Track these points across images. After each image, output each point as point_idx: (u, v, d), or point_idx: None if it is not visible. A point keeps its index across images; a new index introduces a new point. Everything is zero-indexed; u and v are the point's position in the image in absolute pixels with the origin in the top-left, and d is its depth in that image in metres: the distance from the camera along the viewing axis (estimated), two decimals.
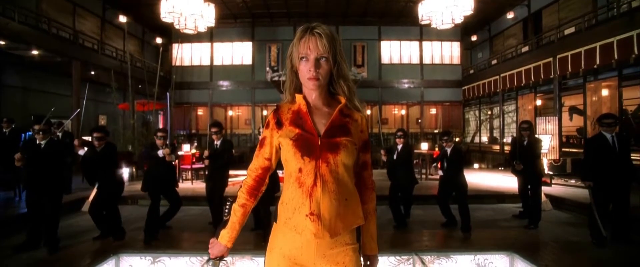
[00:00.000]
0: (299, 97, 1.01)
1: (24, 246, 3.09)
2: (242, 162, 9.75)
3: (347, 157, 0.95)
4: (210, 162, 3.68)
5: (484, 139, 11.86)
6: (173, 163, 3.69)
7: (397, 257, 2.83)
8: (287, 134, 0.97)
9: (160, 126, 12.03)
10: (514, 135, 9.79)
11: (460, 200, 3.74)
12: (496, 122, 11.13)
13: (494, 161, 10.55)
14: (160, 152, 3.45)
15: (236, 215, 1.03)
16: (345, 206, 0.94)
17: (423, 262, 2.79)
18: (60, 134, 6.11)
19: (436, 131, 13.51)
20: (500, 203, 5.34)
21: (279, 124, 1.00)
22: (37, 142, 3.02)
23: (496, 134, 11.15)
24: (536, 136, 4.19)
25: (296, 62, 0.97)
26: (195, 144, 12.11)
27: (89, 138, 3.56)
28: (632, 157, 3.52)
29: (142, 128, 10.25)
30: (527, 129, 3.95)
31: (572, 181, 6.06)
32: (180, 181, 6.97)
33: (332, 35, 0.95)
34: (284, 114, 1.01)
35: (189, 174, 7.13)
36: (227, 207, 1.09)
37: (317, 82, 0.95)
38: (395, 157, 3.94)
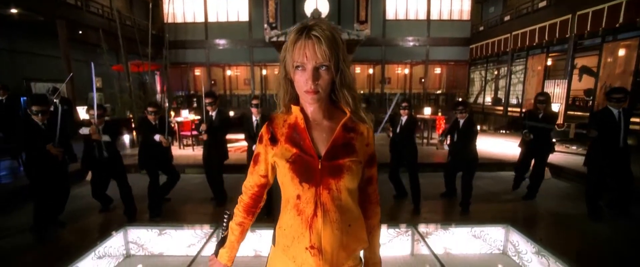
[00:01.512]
0: (295, 110, 0.87)
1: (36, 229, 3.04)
2: (243, 125, 9.71)
3: (352, 181, 0.86)
4: (207, 135, 3.59)
5: (488, 99, 11.63)
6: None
7: (397, 229, 2.92)
8: (282, 153, 0.86)
9: (158, 88, 11.78)
10: (519, 96, 9.64)
11: (467, 174, 3.59)
12: (502, 83, 10.80)
13: (496, 123, 10.46)
14: (157, 137, 3.33)
15: (234, 234, 0.98)
16: (348, 233, 0.87)
17: (420, 234, 2.88)
18: (57, 101, 5.98)
19: (439, 92, 13.22)
20: (499, 171, 5.34)
21: (273, 140, 0.88)
22: (39, 123, 2.85)
23: (501, 95, 10.88)
24: (553, 109, 3.90)
25: (290, 69, 0.82)
26: (195, 105, 11.98)
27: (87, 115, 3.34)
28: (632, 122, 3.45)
29: (139, 90, 10.03)
30: (543, 102, 3.67)
31: (574, 147, 6.03)
32: (181, 147, 6.99)
33: (333, 38, 0.79)
34: (279, 127, 0.89)
35: (189, 140, 7.10)
36: (225, 221, 1.04)
37: (316, 96, 0.81)
38: (398, 130, 3.75)
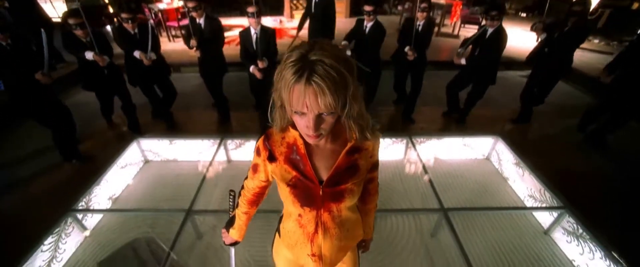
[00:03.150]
0: (294, 133, 0.80)
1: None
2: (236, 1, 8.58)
3: (353, 200, 0.88)
4: (201, 48, 3.12)
5: None
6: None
7: (393, 139, 3.11)
8: (282, 174, 0.85)
9: None
10: None
11: (476, 92, 3.26)
12: None
13: (519, 1, 9.22)
14: (136, 54, 2.91)
15: (241, 219, 1.08)
16: (347, 237, 0.95)
17: (412, 143, 3.08)
18: None
19: None
20: (507, 70, 5.03)
21: (272, 158, 0.85)
22: (2, 44, 2.40)
23: None
24: (588, 19, 3.12)
25: (287, 105, 0.67)
26: None
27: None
28: None
29: None
30: (577, 14, 2.91)
31: (596, 41, 5.45)
32: (171, 39, 6.43)
33: (340, 79, 0.62)
34: (277, 146, 0.84)
35: (178, 31, 6.40)
36: (231, 201, 1.11)
37: (318, 139, 0.72)
38: (413, 39, 3.16)
